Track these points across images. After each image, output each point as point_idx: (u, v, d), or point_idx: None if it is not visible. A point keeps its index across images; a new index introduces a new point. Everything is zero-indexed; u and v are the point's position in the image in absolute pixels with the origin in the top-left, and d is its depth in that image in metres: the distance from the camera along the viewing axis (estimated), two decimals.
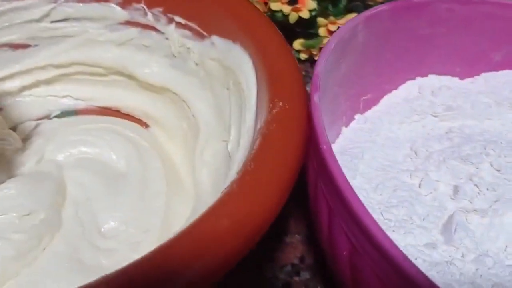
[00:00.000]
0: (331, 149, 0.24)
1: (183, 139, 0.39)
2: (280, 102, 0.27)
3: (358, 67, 0.36)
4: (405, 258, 0.20)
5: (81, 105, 0.43)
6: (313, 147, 0.26)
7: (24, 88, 0.41)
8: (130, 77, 0.41)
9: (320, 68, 0.29)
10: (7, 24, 0.39)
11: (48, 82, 0.42)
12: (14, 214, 0.30)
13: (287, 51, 0.32)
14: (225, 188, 0.23)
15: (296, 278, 0.35)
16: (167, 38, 0.39)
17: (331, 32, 0.51)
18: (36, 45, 0.40)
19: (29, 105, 0.41)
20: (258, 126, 0.28)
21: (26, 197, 0.30)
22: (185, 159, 0.39)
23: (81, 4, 0.39)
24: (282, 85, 0.29)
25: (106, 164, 0.36)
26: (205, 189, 0.35)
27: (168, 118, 0.40)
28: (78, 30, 0.40)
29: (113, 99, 0.42)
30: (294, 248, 0.37)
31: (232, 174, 0.28)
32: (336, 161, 0.23)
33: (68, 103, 0.43)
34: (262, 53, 0.31)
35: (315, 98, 0.26)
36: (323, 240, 0.27)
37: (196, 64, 0.37)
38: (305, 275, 0.35)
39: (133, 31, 0.40)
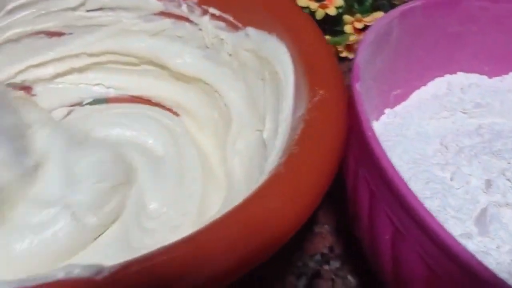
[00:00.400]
0: (376, 136, 0.24)
1: (214, 129, 0.40)
2: (321, 91, 0.27)
3: (390, 62, 0.37)
4: (453, 238, 0.21)
5: (112, 93, 0.43)
6: (355, 135, 0.26)
7: (57, 75, 0.42)
8: (162, 67, 0.42)
9: (359, 58, 0.29)
10: (43, 12, 0.39)
11: (81, 70, 0.42)
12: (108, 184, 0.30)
13: (323, 41, 0.32)
14: (272, 170, 0.24)
15: (326, 267, 0.35)
16: (200, 29, 0.39)
17: (357, 30, 0.52)
18: (70, 33, 0.41)
19: (62, 92, 0.42)
20: (299, 114, 0.28)
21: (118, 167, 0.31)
22: (215, 149, 0.39)
23: None
24: (321, 74, 0.29)
25: (144, 147, 0.37)
26: (237, 178, 0.35)
27: (199, 108, 0.41)
28: (112, 19, 0.41)
29: (144, 88, 0.43)
30: (323, 238, 0.37)
31: (271, 161, 0.28)
32: (382, 147, 0.24)
33: (100, 91, 0.43)
34: (298, 44, 0.32)
35: (357, 87, 0.27)
36: (362, 227, 0.28)
37: (230, 55, 0.38)
38: (335, 264, 0.36)
39: (167, 22, 0.40)
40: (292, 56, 0.32)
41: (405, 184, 0.22)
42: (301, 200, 0.22)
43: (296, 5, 0.35)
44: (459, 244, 0.21)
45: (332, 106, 0.27)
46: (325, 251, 0.37)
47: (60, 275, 0.18)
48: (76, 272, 0.18)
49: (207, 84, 0.40)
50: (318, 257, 0.36)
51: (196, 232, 0.20)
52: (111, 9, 0.40)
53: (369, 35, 0.31)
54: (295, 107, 0.30)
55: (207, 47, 0.40)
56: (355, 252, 0.36)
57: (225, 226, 0.21)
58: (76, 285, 0.18)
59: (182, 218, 0.32)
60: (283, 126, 0.30)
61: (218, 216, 0.30)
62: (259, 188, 0.22)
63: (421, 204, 0.22)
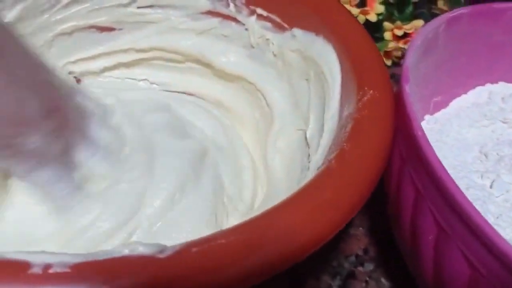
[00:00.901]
0: (425, 135, 0.25)
1: (255, 128, 0.41)
2: (371, 90, 0.28)
3: (434, 69, 0.37)
4: (501, 237, 0.21)
5: (156, 89, 0.44)
6: (403, 134, 0.27)
7: (105, 69, 0.43)
8: (206, 65, 0.43)
9: (408, 61, 0.30)
10: (97, 7, 0.41)
11: (127, 65, 0.44)
12: None
13: (370, 42, 0.33)
14: (321, 166, 0.25)
15: (360, 269, 0.36)
16: (246, 29, 0.40)
17: (396, 37, 0.52)
18: (120, 29, 0.43)
19: (108, 85, 0.43)
20: (346, 113, 0.29)
21: None
22: (255, 147, 0.40)
23: None
24: (369, 74, 0.30)
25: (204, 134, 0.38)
26: (278, 176, 0.36)
27: (241, 107, 0.42)
28: (161, 17, 0.42)
29: (188, 85, 0.44)
30: (358, 240, 0.38)
31: (317, 159, 0.29)
32: (431, 146, 0.24)
33: (144, 86, 0.44)
34: (345, 44, 0.33)
35: (407, 88, 0.27)
36: (403, 227, 0.28)
37: (275, 55, 0.39)
38: (369, 266, 0.36)
39: (214, 21, 0.41)
40: (339, 56, 0.33)
41: (454, 183, 0.23)
42: (353, 192, 0.23)
43: (343, 6, 0.36)
44: (507, 243, 0.21)
45: (381, 105, 0.27)
46: (360, 253, 0.37)
47: (125, 252, 0.19)
48: (140, 250, 0.19)
49: (251, 83, 0.40)
50: (352, 258, 0.37)
51: (255, 218, 0.21)
52: (161, 6, 0.42)
53: (416, 39, 0.32)
54: (342, 106, 0.30)
55: (252, 47, 0.41)
56: (390, 255, 0.37)
57: (283, 214, 0.21)
58: (140, 261, 0.19)
59: (241, 204, 0.34)
60: (329, 124, 0.30)
61: (262, 209, 0.31)
62: (312, 180, 0.23)
63: (470, 203, 0.22)
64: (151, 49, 0.43)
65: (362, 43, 0.32)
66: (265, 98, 0.39)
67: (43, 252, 0.19)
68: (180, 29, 0.43)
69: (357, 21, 0.34)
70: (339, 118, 0.30)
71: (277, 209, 0.22)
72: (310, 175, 0.28)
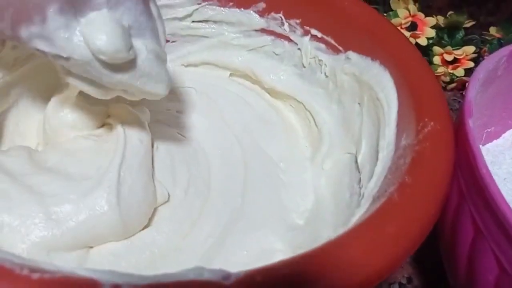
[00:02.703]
0: (490, 174, 0.24)
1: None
2: (432, 122, 0.28)
3: (489, 100, 0.36)
4: None
5: None
6: (464, 170, 0.26)
7: None
8: (254, 81, 0.43)
9: (471, 94, 0.29)
10: None
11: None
12: None
13: (429, 72, 0.32)
14: (383, 198, 0.24)
15: None
16: (299, 49, 0.40)
17: (445, 62, 0.51)
18: (173, 42, 0.43)
19: None
20: (404, 143, 0.29)
21: None
22: None
23: (222, 8, 0.41)
24: (430, 105, 0.29)
25: None
26: (324, 194, 0.36)
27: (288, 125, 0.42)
28: (214, 32, 0.43)
29: None
30: (402, 268, 0.37)
31: (372, 186, 0.29)
32: (497, 185, 0.24)
33: None
34: (403, 72, 0.32)
35: (470, 123, 0.27)
36: (459, 263, 0.27)
37: (326, 76, 0.39)
38: None
39: (267, 38, 0.42)
40: (396, 83, 0.32)
41: None
42: (415, 228, 0.22)
43: (401, 32, 0.35)
44: None
45: (442, 138, 0.27)
46: (403, 281, 0.36)
47: (190, 276, 0.19)
48: (206, 275, 0.19)
49: (300, 102, 0.40)
50: (396, 286, 0.36)
51: (318, 249, 0.21)
52: (215, 22, 0.42)
53: (479, 71, 0.31)
54: (399, 135, 0.30)
55: (303, 66, 0.41)
56: (434, 286, 0.36)
57: (346, 246, 0.21)
58: (206, 287, 0.19)
59: None
60: (384, 153, 0.30)
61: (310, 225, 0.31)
62: (375, 213, 0.23)
63: None
64: (201, 63, 0.44)
65: (420, 72, 0.32)
66: (313, 118, 0.39)
67: (111, 271, 0.19)
68: (231, 45, 0.43)
69: (415, 48, 0.34)
70: (396, 148, 0.29)
71: (340, 240, 0.21)
72: (365, 203, 0.27)
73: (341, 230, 0.26)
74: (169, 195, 0.33)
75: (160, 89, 0.30)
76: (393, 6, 0.53)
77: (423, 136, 0.27)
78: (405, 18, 0.50)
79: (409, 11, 0.50)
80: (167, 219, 0.32)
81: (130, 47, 0.27)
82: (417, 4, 0.53)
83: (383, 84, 0.33)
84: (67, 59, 0.26)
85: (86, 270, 0.18)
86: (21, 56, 0.36)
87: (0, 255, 0.18)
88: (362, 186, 0.32)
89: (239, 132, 0.40)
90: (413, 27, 0.51)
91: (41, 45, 0.25)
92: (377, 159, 0.31)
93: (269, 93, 0.43)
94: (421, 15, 0.51)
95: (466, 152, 0.26)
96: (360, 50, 0.36)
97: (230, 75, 0.44)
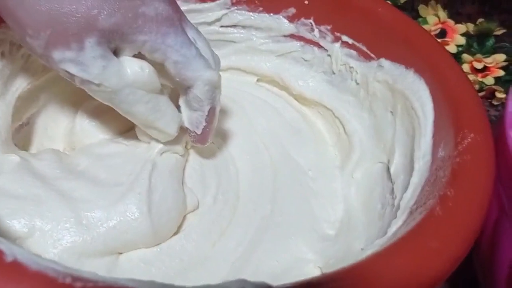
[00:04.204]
0: None
1: None
2: (472, 134, 0.27)
3: None
4: None
5: None
6: (507, 182, 0.26)
7: None
8: (282, 87, 0.43)
9: None
10: None
11: None
12: None
13: (466, 81, 0.31)
14: (423, 210, 0.24)
15: None
16: (329, 55, 0.40)
17: (474, 70, 0.51)
18: None
19: None
20: (442, 154, 0.28)
21: None
22: None
23: (251, 13, 0.41)
24: (469, 116, 0.28)
25: None
26: (354, 204, 0.35)
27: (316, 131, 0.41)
28: (243, 37, 0.42)
29: None
30: None
31: (408, 198, 0.28)
32: None
33: None
34: (439, 81, 0.32)
35: (511, 134, 0.26)
36: (498, 281, 0.27)
37: (357, 83, 0.38)
38: None
39: (296, 44, 0.41)
40: (432, 93, 0.31)
41: None
42: (459, 242, 0.22)
43: (436, 40, 0.35)
44: None
45: (483, 150, 0.26)
46: None
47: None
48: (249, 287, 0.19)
49: (329, 109, 0.40)
50: None
51: (360, 263, 0.20)
52: (244, 27, 0.42)
53: None
54: (435, 146, 0.29)
55: (333, 73, 0.40)
56: None
57: (389, 261, 0.20)
58: None
59: None
60: (420, 163, 0.29)
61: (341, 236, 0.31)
62: (415, 226, 0.22)
63: None
64: (228, 68, 0.44)
65: (458, 81, 0.31)
66: (343, 126, 0.39)
67: (152, 282, 0.18)
68: (259, 50, 0.43)
69: (451, 56, 0.33)
70: (433, 159, 0.29)
71: (382, 255, 0.21)
72: (402, 214, 0.27)
73: (376, 242, 0.25)
74: (198, 202, 0.33)
75: (171, 128, 0.31)
76: (421, 12, 0.52)
77: (463, 148, 0.26)
78: (434, 25, 0.49)
79: (438, 18, 0.49)
80: (196, 227, 0.32)
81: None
82: (446, 10, 0.52)
83: (419, 94, 0.32)
84: (98, 85, 0.27)
85: (128, 280, 0.18)
86: None
87: (42, 263, 0.18)
88: (395, 196, 0.31)
89: (267, 139, 0.39)
90: (442, 34, 0.50)
91: (73, 69, 0.26)
92: (412, 169, 0.30)
93: (297, 100, 0.43)
94: (451, 22, 0.50)
95: (507, 165, 0.25)
96: (394, 58, 0.35)
97: (257, 80, 0.44)
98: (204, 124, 0.32)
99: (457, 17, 0.52)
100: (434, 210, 0.23)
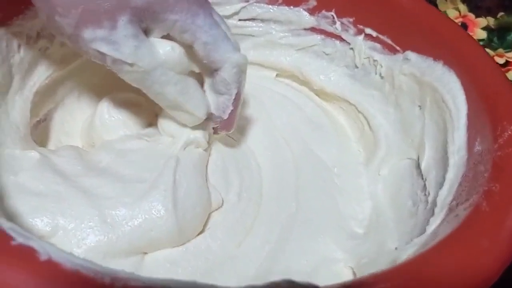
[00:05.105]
0: None
1: None
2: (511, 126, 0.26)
3: None
4: None
5: None
6: None
7: None
8: (303, 82, 0.42)
9: None
10: None
11: None
12: None
13: (500, 72, 0.30)
14: (467, 207, 0.23)
15: None
16: (351, 48, 0.39)
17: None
18: None
19: None
20: (479, 148, 0.27)
21: None
22: None
23: (271, 6, 0.40)
24: (507, 108, 0.27)
25: None
26: (382, 201, 0.34)
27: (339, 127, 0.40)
28: (262, 30, 0.41)
29: None
30: None
31: (445, 194, 0.27)
32: None
33: None
34: (471, 72, 0.31)
35: None
36: None
37: (382, 77, 0.37)
38: None
39: (316, 37, 0.40)
40: (464, 85, 0.30)
41: None
42: (509, 240, 0.21)
43: (465, 31, 0.34)
44: None
45: None
46: None
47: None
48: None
49: (352, 104, 0.39)
50: None
51: (407, 262, 0.19)
52: (262, 20, 0.41)
53: None
54: (471, 140, 0.28)
55: (356, 67, 0.39)
56: None
57: (437, 260, 0.19)
58: None
59: None
60: (456, 158, 0.28)
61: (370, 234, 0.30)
62: (462, 224, 0.21)
63: None
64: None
65: (490, 72, 0.30)
66: (367, 121, 0.38)
67: (193, 283, 0.17)
68: (279, 44, 0.41)
69: (481, 47, 0.32)
70: (469, 153, 0.28)
71: (430, 253, 0.20)
72: (440, 212, 0.26)
73: (414, 241, 0.24)
74: (222, 200, 0.32)
75: (200, 111, 0.30)
76: (440, 6, 0.51)
77: (504, 141, 0.25)
78: (455, 19, 0.48)
79: (459, 11, 0.48)
80: (221, 225, 0.31)
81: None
82: (465, 4, 0.51)
83: (449, 86, 0.31)
84: (131, 65, 0.26)
85: (169, 280, 0.17)
86: (69, 53, 0.35)
87: (77, 261, 0.17)
88: (428, 193, 0.30)
89: (288, 135, 0.38)
90: (463, 28, 0.49)
91: (105, 49, 0.25)
92: (446, 165, 0.29)
93: (317, 95, 0.42)
94: (471, 15, 0.49)
95: None
96: (420, 50, 0.34)
97: (277, 75, 0.43)
98: (231, 108, 0.31)
99: (476, 11, 0.51)
100: (480, 206, 0.22)
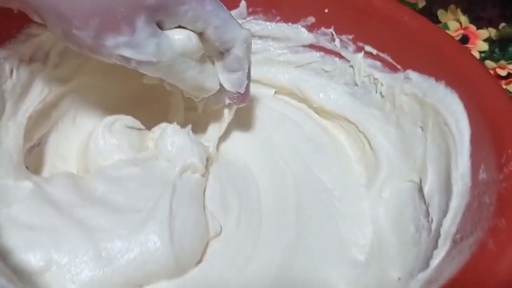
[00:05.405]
0: None
1: None
2: None
3: None
4: None
5: None
6: None
7: None
8: (302, 99, 0.41)
9: None
10: None
11: None
12: None
13: (503, 94, 0.30)
14: (472, 243, 0.22)
15: None
16: (351, 66, 0.38)
17: (498, 76, 0.49)
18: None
19: None
20: (483, 176, 0.26)
21: None
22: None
23: (268, 23, 0.39)
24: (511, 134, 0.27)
25: None
26: (383, 225, 0.33)
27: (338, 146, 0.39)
28: (259, 47, 0.40)
29: None
30: None
31: (448, 224, 0.26)
32: None
33: None
34: (474, 95, 0.30)
35: None
36: None
37: (383, 96, 0.36)
38: None
39: (315, 55, 0.39)
40: (467, 108, 0.30)
41: None
42: None
43: (469, 51, 0.33)
44: None
45: None
46: None
47: None
48: None
49: (352, 123, 0.38)
50: None
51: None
52: (260, 37, 0.40)
53: None
54: (475, 167, 0.27)
55: (356, 85, 0.38)
56: None
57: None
58: None
59: None
60: (459, 186, 0.28)
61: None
62: (467, 264, 0.21)
63: None
64: None
65: (495, 95, 0.29)
66: (368, 141, 0.37)
67: None
68: (277, 61, 0.41)
69: (486, 68, 0.31)
70: (473, 181, 0.27)
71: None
72: (444, 244, 0.25)
73: (419, 276, 0.24)
74: (221, 227, 0.31)
75: (215, 84, 0.32)
76: (441, 17, 0.50)
77: (510, 171, 0.25)
78: (456, 31, 0.48)
79: (460, 23, 0.48)
80: (220, 254, 0.30)
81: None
82: (466, 15, 0.50)
83: (452, 108, 0.31)
84: (155, 63, 0.27)
85: None
86: (62, 75, 0.34)
87: None
88: (431, 220, 0.29)
89: (288, 154, 0.38)
90: (464, 40, 0.48)
91: (129, 53, 0.26)
92: (449, 191, 0.28)
93: (317, 113, 0.41)
94: (472, 27, 0.48)
95: None
96: (422, 69, 0.34)
97: (275, 93, 0.42)
98: (246, 82, 0.32)
99: (478, 22, 0.51)
100: (486, 244, 0.21)
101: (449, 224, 0.26)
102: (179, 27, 0.28)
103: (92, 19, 0.24)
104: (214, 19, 0.28)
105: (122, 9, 0.24)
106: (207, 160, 0.33)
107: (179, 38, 0.28)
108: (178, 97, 0.36)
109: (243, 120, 0.39)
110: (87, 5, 0.24)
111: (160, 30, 0.27)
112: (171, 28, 0.28)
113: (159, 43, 0.26)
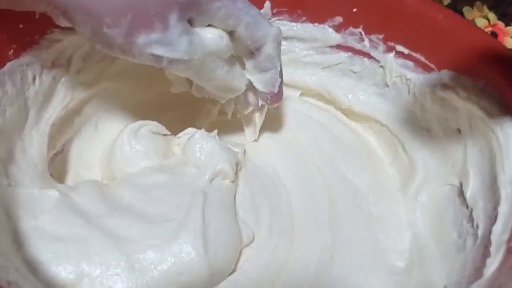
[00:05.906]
0: None
1: None
2: None
3: None
4: None
5: None
6: None
7: None
8: (329, 101, 0.40)
9: None
10: None
11: None
12: None
13: None
14: None
15: None
16: (381, 66, 0.37)
17: None
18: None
19: None
20: None
21: None
22: None
23: (294, 24, 0.38)
24: None
25: None
26: (422, 230, 0.32)
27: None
28: (284, 49, 0.39)
29: None
30: None
31: (499, 231, 0.25)
32: None
33: None
34: None
35: None
36: None
37: (415, 97, 0.35)
38: None
39: (343, 55, 0.38)
40: (508, 109, 0.28)
41: None
42: None
43: (507, 48, 0.32)
44: None
45: None
46: None
47: None
48: None
49: (383, 125, 0.37)
50: None
51: None
52: (285, 38, 0.39)
53: None
54: None
55: (387, 86, 0.37)
56: None
57: None
58: None
59: None
60: (508, 190, 0.26)
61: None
62: None
63: None
64: None
65: None
66: (401, 144, 0.35)
67: None
68: (303, 62, 0.39)
69: None
70: None
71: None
72: (497, 252, 0.24)
73: (472, 286, 0.22)
74: (254, 235, 0.30)
75: (242, 84, 0.31)
76: (466, 15, 0.49)
77: None
78: (484, 28, 0.46)
79: (488, 20, 0.46)
80: (253, 263, 0.29)
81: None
82: (492, 11, 0.49)
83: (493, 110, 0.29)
84: (187, 61, 0.26)
85: None
86: (84, 81, 0.33)
87: None
88: (476, 225, 0.28)
89: (317, 158, 0.36)
90: (493, 36, 0.47)
91: (161, 51, 0.25)
92: (497, 196, 0.27)
93: (345, 115, 0.39)
94: (501, 24, 0.47)
95: None
96: (458, 68, 0.32)
97: (301, 95, 0.41)
98: (279, 80, 0.32)
99: (504, 18, 0.49)
100: None
101: (501, 231, 0.25)
102: (209, 26, 0.28)
103: (124, 16, 0.23)
104: (245, 16, 0.28)
105: (155, 5, 0.24)
106: (237, 165, 0.32)
107: (211, 37, 0.27)
108: (212, 103, 0.35)
109: (268, 123, 0.38)
110: (119, 2, 0.23)
111: (191, 28, 0.26)
112: (201, 27, 0.27)
113: (191, 41, 0.26)
